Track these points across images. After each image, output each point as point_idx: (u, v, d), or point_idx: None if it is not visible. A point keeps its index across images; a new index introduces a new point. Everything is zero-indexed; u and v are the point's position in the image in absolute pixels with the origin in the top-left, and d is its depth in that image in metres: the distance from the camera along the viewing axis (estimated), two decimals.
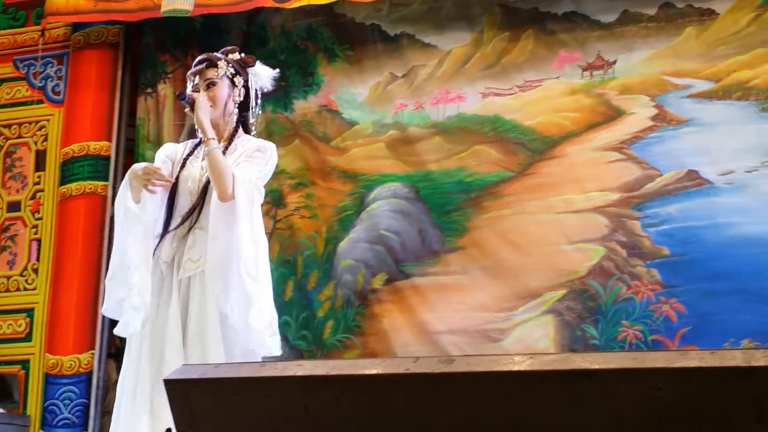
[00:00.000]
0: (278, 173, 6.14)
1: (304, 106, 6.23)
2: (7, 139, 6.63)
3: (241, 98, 4.26)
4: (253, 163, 4.12)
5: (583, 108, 5.72)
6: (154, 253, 4.13)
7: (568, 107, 5.75)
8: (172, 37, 6.51)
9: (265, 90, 4.34)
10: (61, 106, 6.52)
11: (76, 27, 6.49)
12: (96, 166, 6.24)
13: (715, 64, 5.48)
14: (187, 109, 4.24)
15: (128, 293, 4.01)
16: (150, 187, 4.08)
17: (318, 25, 6.22)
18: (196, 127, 4.17)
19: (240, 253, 3.94)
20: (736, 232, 5.27)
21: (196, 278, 4.03)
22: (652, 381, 1.90)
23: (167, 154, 4.32)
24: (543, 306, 5.55)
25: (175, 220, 4.16)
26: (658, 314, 5.34)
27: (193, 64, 4.33)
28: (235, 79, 4.25)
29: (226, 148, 4.21)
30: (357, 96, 6.14)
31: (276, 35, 6.35)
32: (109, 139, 6.29)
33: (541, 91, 5.81)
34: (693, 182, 5.41)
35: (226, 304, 3.94)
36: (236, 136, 4.24)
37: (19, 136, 6.61)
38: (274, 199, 6.12)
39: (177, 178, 4.22)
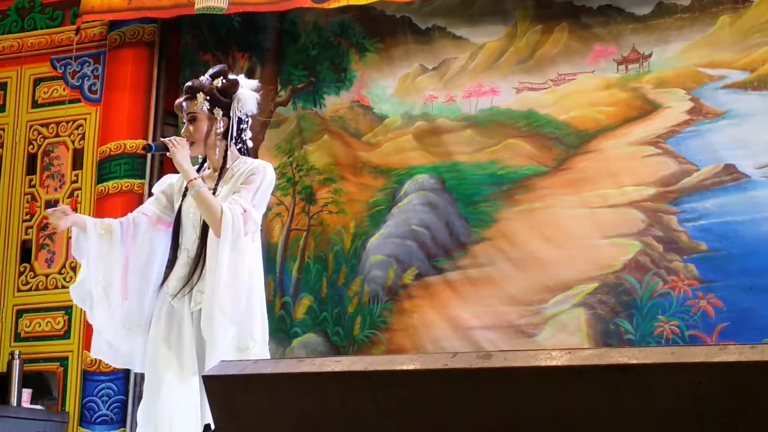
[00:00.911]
0: (309, 169, 6.17)
1: (336, 102, 6.23)
2: (45, 138, 6.68)
3: (223, 128, 4.22)
4: (247, 189, 4.12)
5: (619, 102, 5.69)
6: (161, 286, 4.17)
7: (603, 101, 5.72)
8: (213, 36, 6.54)
9: (249, 115, 4.29)
10: (98, 105, 6.56)
11: (112, 26, 6.52)
12: (132, 164, 6.27)
13: (750, 53, 5.44)
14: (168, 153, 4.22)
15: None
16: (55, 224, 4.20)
17: (350, 20, 6.23)
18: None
19: (216, 292, 3.97)
20: None
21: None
22: (691, 376, 1.89)
23: (162, 189, 4.37)
24: (574, 299, 5.53)
25: (182, 253, 4.19)
26: (695, 309, 5.31)
27: (182, 93, 4.34)
28: (213, 111, 4.23)
29: (220, 177, 4.22)
30: (386, 88, 6.14)
31: (308, 31, 6.36)
32: (146, 137, 6.32)
33: (575, 85, 5.79)
34: (730, 176, 5.37)
35: (208, 335, 3.99)
36: (229, 163, 4.23)
37: (57, 135, 6.66)
38: (306, 196, 6.15)
39: (180, 210, 4.25)
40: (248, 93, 4.29)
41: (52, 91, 6.73)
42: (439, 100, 6.02)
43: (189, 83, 4.32)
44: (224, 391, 2.37)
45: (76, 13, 6.55)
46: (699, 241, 5.36)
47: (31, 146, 6.70)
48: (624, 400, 1.96)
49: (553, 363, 2.02)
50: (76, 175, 6.56)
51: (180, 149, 4.15)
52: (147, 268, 4.28)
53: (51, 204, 6.51)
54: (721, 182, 5.38)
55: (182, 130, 4.31)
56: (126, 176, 6.26)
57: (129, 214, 4.36)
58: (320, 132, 6.23)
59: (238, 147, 4.26)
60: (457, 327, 5.71)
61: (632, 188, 5.56)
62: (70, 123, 6.63)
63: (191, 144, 4.22)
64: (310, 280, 6.09)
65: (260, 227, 4.21)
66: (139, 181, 6.25)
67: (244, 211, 4.04)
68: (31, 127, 6.72)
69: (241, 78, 4.34)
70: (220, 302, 3.97)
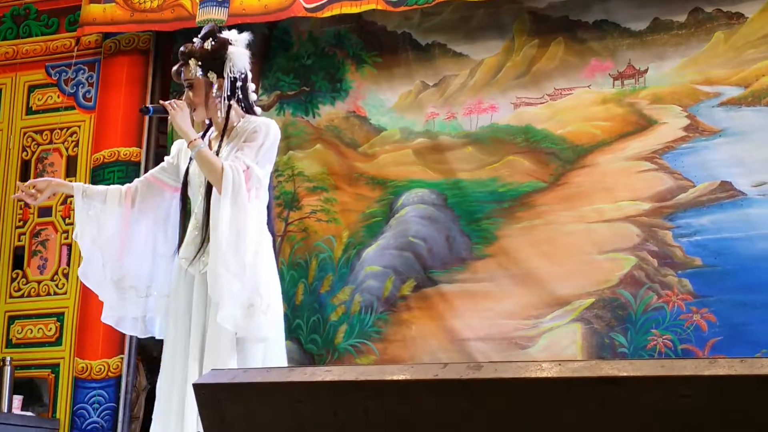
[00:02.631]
0: (293, 175, 6.17)
1: (330, 112, 6.24)
2: (39, 144, 6.67)
3: (220, 92, 4.21)
4: (250, 147, 4.12)
5: (615, 117, 5.69)
6: (176, 251, 4.18)
7: (599, 116, 5.73)
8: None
9: (244, 73, 4.27)
10: (92, 112, 6.56)
11: (107, 34, 6.52)
12: (126, 172, 6.26)
13: (744, 69, 5.45)
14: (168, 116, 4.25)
15: None
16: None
17: (346, 31, 6.23)
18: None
19: (218, 249, 3.97)
20: None
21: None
22: (680, 389, 1.88)
23: (172, 155, 4.41)
24: (571, 314, 5.54)
25: (192, 218, 4.20)
26: (688, 324, 5.31)
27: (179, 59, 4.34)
28: (208, 75, 4.23)
29: (222, 137, 4.22)
30: (385, 102, 6.14)
31: (302, 41, 6.36)
32: (140, 145, 6.32)
33: (571, 99, 5.79)
34: (726, 194, 5.37)
35: (214, 293, 3.99)
36: (234, 122, 4.22)
37: (51, 142, 6.65)
38: (286, 201, 6.14)
39: (186, 174, 4.26)
40: (239, 50, 4.25)
41: (47, 98, 6.72)
42: (441, 117, 6.03)
43: (181, 48, 4.32)
44: (214, 399, 2.36)
45: (71, 21, 6.56)
46: (693, 257, 5.37)
47: (24, 153, 6.69)
48: (614, 412, 1.95)
49: (543, 375, 2.01)
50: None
51: (179, 111, 4.16)
52: (151, 232, 4.31)
53: (44, 211, 6.52)
54: (717, 199, 5.39)
55: (183, 97, 4.30)
56: (119, 183, 6.21)
57: (135, 179, 4.44)
58: (312, 141, 6.23)
59: (241, 106, 4.25)
60: (453, 339, 5.72)
61: (628, 203, 5.57)
62: (64, 130, 6.63)
63: (194, 110, 4.23)
64: (284, 286, 6.09)
65: (268, 184, 4.20)
66: None
67: (247, 168, 4.04)
68: (25, 133, 6.71)
69: (232, 33, 4.30)
70: (223, 259, 3.95)
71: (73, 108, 6.64)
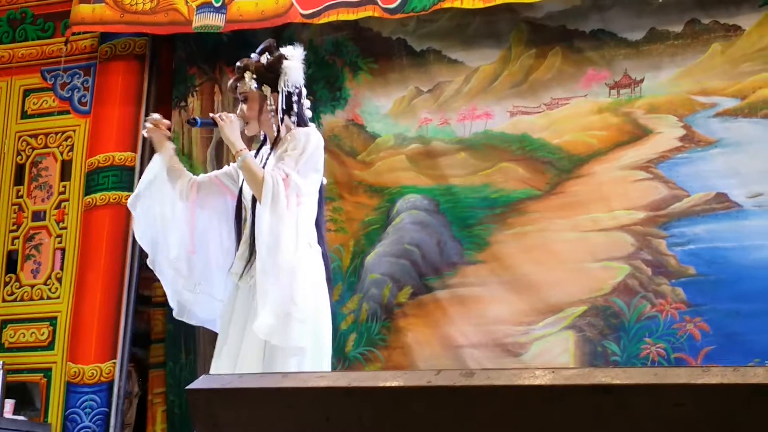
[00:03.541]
0: None
1: (331, 121, 6.23)
2: (33, 148, 6.66)
3: (274, 105, 4.24)
4: (290, 156, 4.13)
5: (611, 126, 5.70)
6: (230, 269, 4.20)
7: (596, 126, 5.73)
8: (200, 50, 6.54)
9: (299, 87, 4.29)
10: (87, 117, 6.55)
11: (103, 38, 6.52)
12: (121, 177, 6.26)
13: (741, 81, 5.46)
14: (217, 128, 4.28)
15: None
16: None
17: (344, 39, 6.23)
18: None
19: (260, 258, 3.98)
20: (763, 255, 5.24)
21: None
22: (673, 397, 1.88)
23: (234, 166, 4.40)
24: (564, 321, 5.55)
25: (244, 232, 4.22)
26: (681, 332, 5.32)
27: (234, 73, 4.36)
28: (262, 88, 4.25)
29: (272, 149, 4.25)
30: (380, 108, 6.15)
31: (304, 50, 6.35)
32: (134, 150, 6.31)
33: (568, 109, 5.80)
34: (722, 205, 5.38)
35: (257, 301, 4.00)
36: (283, 135, 4.23)
37: (45, 146, 6.65)
38: None
39: (241, 189, 4.29)
40: (294, 64, 4.28)
41: (42, 102, 6.72)
42: (434, 123, 6.03)
43: (238, 63, 4.33)
44: (207, 405, 2.35)
45: (67, 25, 6.55)
46: (687, 266, 5.38)
47: (19, 157, 6.68)
48: (606, 420, 1.95)
49: (536, 382, 2.01)
50: (64, 186, 6.54)
51: (228, 123, 4.18)
52: (207, 225, 4.32)
53: (38, 215, 6.52)
54: (711, 209, 5.40)
55: (237, 110, 4.31)
56: (114, 188, 6.24)
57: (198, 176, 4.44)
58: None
59: (293, 120, 4.26)
60: (448, 346, 5.72)
61: (622, 212, 5.57)
62: (59, 134, 6.62)
63: (246, 123, 4.24)
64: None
65: (319, 198, 4.22)
66: (126, 193, 6.21)
67: (286, 176, 4.04)
68: (19, 137, 6.71)
69: (288, 49, 4.33)
70: (263, 267, 3.96)
71: (68, 112, 6.64)
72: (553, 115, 5.83)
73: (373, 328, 5.89)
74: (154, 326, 6.44)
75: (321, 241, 4.24)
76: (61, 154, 6.60)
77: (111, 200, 6.23)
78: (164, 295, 6.37)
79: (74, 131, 6.59)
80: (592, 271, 5.56)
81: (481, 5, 5.58)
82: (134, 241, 6.13)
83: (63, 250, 6.40)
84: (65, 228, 6.46)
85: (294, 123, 4.28)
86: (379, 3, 5.75)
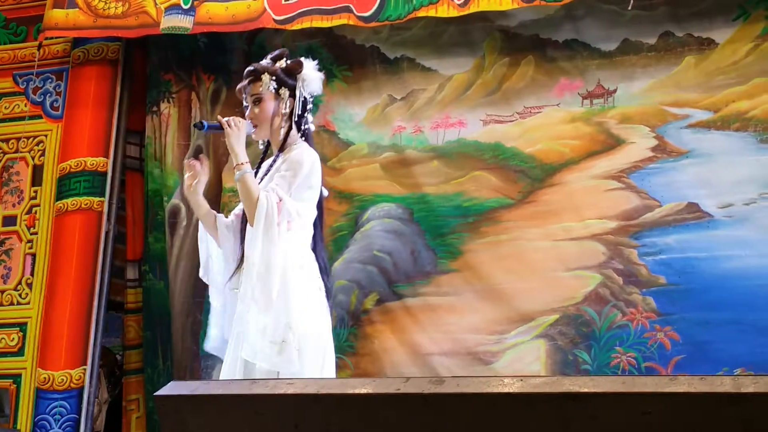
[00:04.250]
0: None
1: None
2: (5, 153, 6.62)
3: (289, 110, 4.22)
4: (284, 178, 4.12)
5: (583, 136, 5.71)
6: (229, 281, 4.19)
7: (568, 135, 5.75)
8: (177, 56, 6.52)
9: (315, 95, 4.30)
10: (60, 122, 6.52)
11: (76, 43, 6.48)
12: (92, 182, 6.22)
13: (714, 95, 5.48)
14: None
15: None
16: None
17: (317, 46, 6.22)
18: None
19: (248, 281, 3.97)
20: (733, 265, 5.26)
21: None
22: (641, 405, 1.89)
23: None
24: (535, 330, 5.56)
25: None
26: (652, 342, 5.34)
27: (244, 76, 4.32)
28: (280, 91, 4.23)
29: (279, 153, 4.22)
30: (354, 116, 6.15)
31: None
32: (107, 155, 6.27)
33: (541, 118, 5.81)
34: (693, 215, 5.41)
35: (241, 325, 4.01)
36: (287, 147, 4.22)
37: (17, 151, 6.61)
38: None
39: None
40: (313, 73, 4.29)
41: (14, 107, 6.68)
42: (407, 131, 6.03)
43: (251, 67, 4.31)
44: (176, 412, 2.35)
45: (40, 29, 6.51)
46: (658, 275, 5.40)
47: None
48: (575, 428, 1.96)
49: (505, 390, 2.01)
50: (35, 192, 6.50)
51: (235, 131, 4.14)
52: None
53: (9, 220, 6.47)
54: (683, 219, 5.42)
55: (246, 113, 4.27)
56: (86, 194, 6.21)
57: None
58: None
59: (301, 130, 4.25)
60: (415, 353, 5.72)
61: (594, 221, 5.59)
62: (31, 139, 6.59)
63: (255, 126, 4.20)
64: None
65: (315, 220, 4.21)
66: (98, 198, 6.20)
67: (280, 200, 4.02)
68: None
69: (305, 60, 4.33)
70: (251, 292, 3.95)
71: (40, 117, 6.60)
72: (525, 123, 5.84)
73: (342, 334, 5.89)
74: (127, 332, 6.42)
75: (321, 255, 4.22)
76: (33, 158, 6.56)
77: (82, 206, 6.20)
78: (138, 301, 6.40)
79: (46, 136, 6.56)
80: (564, 280, 5.57)
81: (455, 14, 5.58)
82: (105, 246, 6.13)
83: (34, 255, 6.36)
84: (36, 233, 6.42)
85: (301, 134, 4.26)
86: (354, 11, 5.73)
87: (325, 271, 4.24)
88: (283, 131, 4.22)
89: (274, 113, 4.23)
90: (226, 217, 4.39)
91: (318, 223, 4.28)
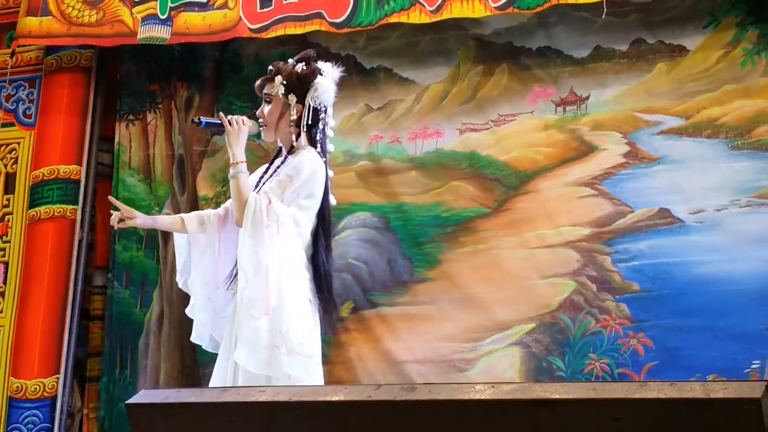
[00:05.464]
0: None
1: None
2: None
3: (297, 116, 4.19)
4: (280, 182, 4.09)
5: (557, 143, 5.73)
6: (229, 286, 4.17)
7: (542, 142, 5.76)
8: (158, 66, 6.51)
9: (326, 105, 4.24)
10: (32, 129, 6.49)
11: (49, 50, 6.46)
12: (66, 190, 6.20)
13: (685, 101, 5.51)
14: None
15: None
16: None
17: (291, 53, 6.20)
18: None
19: (240, 284, 3.95)
20: (705, 270, 5.28)
21: None
22: (611, 411, 1.90)
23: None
24: (511, 338, 5.57)
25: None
26: (625, 348, 5.36)
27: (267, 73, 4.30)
28: (288, 96, 4.20)
29: (286, 157, 4.21)
30: None
31: (250, 63, 6.35)
32: (80, 163, 6.26)
33: (515, 125, 5.82)
34: (664, 220, 5.43)
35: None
36: (294, 151, 4.19)
37: None
38: None
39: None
40: (327, 82, 4.21)
41: None
42: (385, 141, 6.04)
43: (271, 66, 4.27)
44: (147, 420, 2.34)
45: (13, 37, 6.49)
46: (631, 282, 5.41)
47: None
48: None
49: (477, 396, 2.02)
50: (8, 200, 6.47)
51: (235, 131, 4.13)
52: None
53: None
54: (655, 225, 5.44)
55: (258, 111, 4.26)
56: (59, 201, 6.19)
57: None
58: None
59: (313, 137, 4.21)
60: (389, 361, 5.72)
61: (568, 228, 5.60)
62: (3, 147, 6.55)
63: (263, 125, 4.20)
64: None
65: (313, 228, 4.16)
66: (71, 206, 6.18)
67: (269, 203, 3.99)
68: None
69: (326, 66, 4.27)
70: (241, 295, 3.92)
71: (12, 125, 6.57)
72: (500, 131, 5.85)
73: None
74: (91, 340, 6.38)
75: (323, 265, 4.19)
76: (5, 166, 6.53)
77: (55, 213, 6.18)
78: (102, 308, 6.35)
79: (19, 144, 6.53)
80: (540, 288, 5.58)
81: (427, 20, 5.59)
82: (78, 254, 6.11)
83: (6, 263, 6.33)
84: (9, 242, 6.39)
85: (313, 142, 4.22)
86: (326, 17, 5.73)
87: (325, 281, 4.19)
88: (293, 136, 4.20)
89: (279, 116, 4.21)
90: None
91: (322, 233, 4.23)
